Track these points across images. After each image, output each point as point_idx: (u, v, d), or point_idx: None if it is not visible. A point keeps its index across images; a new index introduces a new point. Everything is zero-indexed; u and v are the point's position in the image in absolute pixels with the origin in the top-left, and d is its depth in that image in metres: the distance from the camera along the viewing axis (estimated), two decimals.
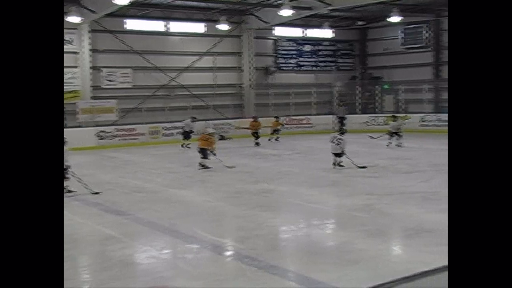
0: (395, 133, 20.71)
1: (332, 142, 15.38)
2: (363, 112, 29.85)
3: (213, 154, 15.85)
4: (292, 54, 31.09)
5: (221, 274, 6.93)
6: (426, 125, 26.43)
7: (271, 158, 18.77)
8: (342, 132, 15.87)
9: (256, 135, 22.73)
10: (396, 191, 12.05)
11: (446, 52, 29.18)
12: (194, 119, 22.48)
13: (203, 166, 15.81)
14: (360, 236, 8.43)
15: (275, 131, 23.92)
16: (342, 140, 15.21)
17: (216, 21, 26.86)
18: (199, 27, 27.88)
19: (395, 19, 26.41)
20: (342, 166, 15.29)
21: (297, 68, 31.31)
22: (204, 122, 23.13)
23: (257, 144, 22.40)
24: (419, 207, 10.46)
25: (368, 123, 28.02)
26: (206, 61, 28.13)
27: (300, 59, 31.41)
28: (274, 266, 7.16)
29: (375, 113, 29.73)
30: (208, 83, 28.24)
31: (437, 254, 7.29)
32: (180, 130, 22.93)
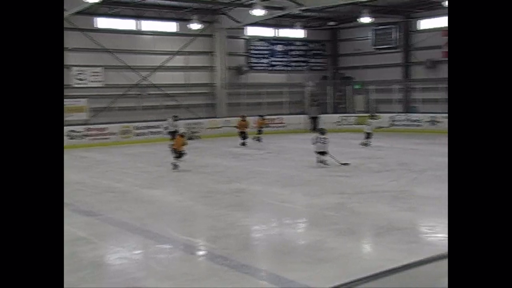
0: (370, 132, 20.99)
1: (317, 142, 16.01)
2: (335, 111, 30.11)
3: (182, 153, 15.69)
4: (264, 54, 31.16)
5: (193, 274, 6.92)
6: (396, 125, 26.80)
7: (243, 158, 18.79)
8: (322, 132, 16.40)
9: (243, 135, 22.28)
10: (367, 190, 12.19)
11: (415, 53, 29.62)
12: (176, 118, 22.28)
13: (173, 165, 15.72)
14: (331, 235, 8.51)
15: (260, 131, 23.57)
16: (327, 139, 15.94)
17: (188, 20, 26.75)
18: (171, 26, 27.73)
19: (365, 20, 26.70)
20: (327, 164, 15.72)
21: (269, 68, 31.40)
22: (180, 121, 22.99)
23: (243, 144, 21.95)
24: (389, 205, 10.61)
25: (339, 123, 28.28)
26: (178, 60, 27.99)
27: (272, 59, 31.50)
28: (246, 265, 7.18)
29: (346, 112, 30.01)
30: (181, 83, 28.11)
31: (407, 252, 7.43)
32: (164, 131, 22.69)
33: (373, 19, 27.34)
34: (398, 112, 27.91)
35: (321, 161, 15.88)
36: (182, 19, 27.28)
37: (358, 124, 27.20)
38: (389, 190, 12.08)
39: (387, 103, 29.47)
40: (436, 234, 8.83)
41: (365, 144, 20.63)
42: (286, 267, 7.03)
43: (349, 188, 12.49)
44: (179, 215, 10.35)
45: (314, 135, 16.80)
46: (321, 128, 17.33)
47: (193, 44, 28.18)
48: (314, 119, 27.93)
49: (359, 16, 26.85)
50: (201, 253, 8.17)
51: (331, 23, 31.63)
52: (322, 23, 31.83)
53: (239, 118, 23.38)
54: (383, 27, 30.17)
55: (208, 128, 26.34)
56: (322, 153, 15.91)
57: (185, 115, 26.28)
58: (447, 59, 29.07)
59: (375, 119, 21.81)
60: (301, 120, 28.41)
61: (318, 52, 33.40)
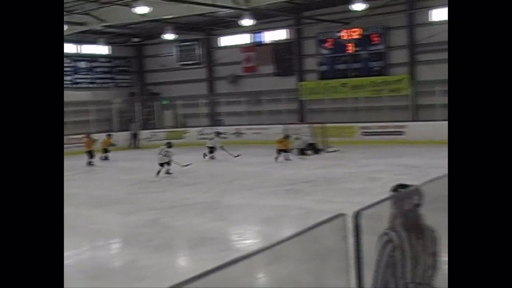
0: (213, 148, 21.63)
1: (160, 153, 17.46)
2: (144, 128, 30.00)
3: None
4: (67, 71, 29.81)
5: None
6: (204, 138, 27.58)
7: None
8: (169, 145, 17.89)
9: (90, 153, 21.42)
10: (180, 204, 12.41)
11: (217, 68, 30.86)
12: None
13: None
14: (146, 252, 8.52)
15: (105, 150, 22.90)
16: (170, 151, 17.47)
17: None
18: None
19: (169, 36, 27.15)
20: (170, 173, 17.10)
21: (73, 86, 30.11)
22: None
23: (90, 163, 21.17)
24: (202, 217, 10.95)
25: (150, 139, 28.23)
26: None
27: (76, 76, 30.30)
28: None
29: (155, 128, 30.08)
30: None
31: (218, 261, 7.74)
32: None
33: (177, 36, 27.92)
34: (205, 126, 28.81)
35: (159, 172, 17.15)
36: None
37: (168, 139, 27.45)
38: (201, 202, 12.45)
39: (195, 117, 30.27)
40: (244, 240, 9.38)
41: (210, 158, 21.37)
42: None
43: (162, 203, 12.59)
44: None
45: (160, 147, 18.04)
46: (168, 142, 18.76)
47: None
48: (135, 136, 27.71)
49: (163, 33, 27.21)
50: None
51: (136, 39, 31.52)
52: (127, 39, 31.55)
53: (84, 136, 22.77)
54: (187, 43, 30.97)
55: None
56: (162, 164, 17.23)
57: None
58: (246, 74, 30.77)
59: (220, 137, 22.54)
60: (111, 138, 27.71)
61: (124, 68, 32.97)
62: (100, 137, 27.31)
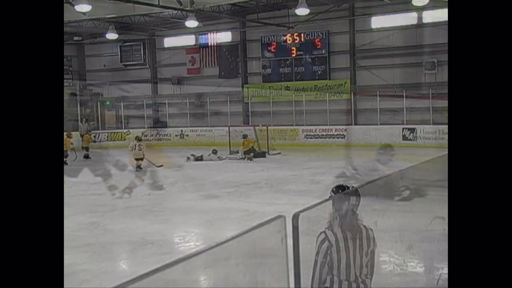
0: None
1: (134, 148, 17.84)
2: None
3: None
4: None
5: None
6: (148, 140, 27.21)
7: None
8: (139, 139, 18.41)
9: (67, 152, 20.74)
10: (120, 206, 12.18)
11: (162, 70, 30.53)
12: None
13: None
14: (84, 256, 8.30)
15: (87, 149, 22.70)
16: (143, 146, 18.00)
17: None
18: None
19: (112, 36, 26.62)
20: (141, 168, 17.57)
21: None
22: None
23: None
24: (142, 219, 10.78)
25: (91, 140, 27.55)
26: None
27: None
28: None
29: (97, 129, 29.41)
30: None
31: (162, 263, 7.64)
32: None
33: (120, 36, 27.42)
34: (149, 127, 28.44)
35: (138, 166, 17.62)
36: None
37: (110, 141, 26.94)
38: (142, 205, 12.25)
39: (138, 118, 29.82)
40: (186, 243, 9.30)
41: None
42: None
43: (102, 206, 12.30)
44: None
45: (132, 142, 18.39)
46: (137, 136, 19.09)
47: None
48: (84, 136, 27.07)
49: (105, 32, 26.65)
50: None
51: (76, 38, 30.72)
52: (67, 38, 30.69)
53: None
54: (130, 43, 30.47)
55: None
56: (140, 159, 17.71)
57: None
58: (191, 75, 30.60)
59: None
60: None
61: (64, 68, 32.04)
62: None
